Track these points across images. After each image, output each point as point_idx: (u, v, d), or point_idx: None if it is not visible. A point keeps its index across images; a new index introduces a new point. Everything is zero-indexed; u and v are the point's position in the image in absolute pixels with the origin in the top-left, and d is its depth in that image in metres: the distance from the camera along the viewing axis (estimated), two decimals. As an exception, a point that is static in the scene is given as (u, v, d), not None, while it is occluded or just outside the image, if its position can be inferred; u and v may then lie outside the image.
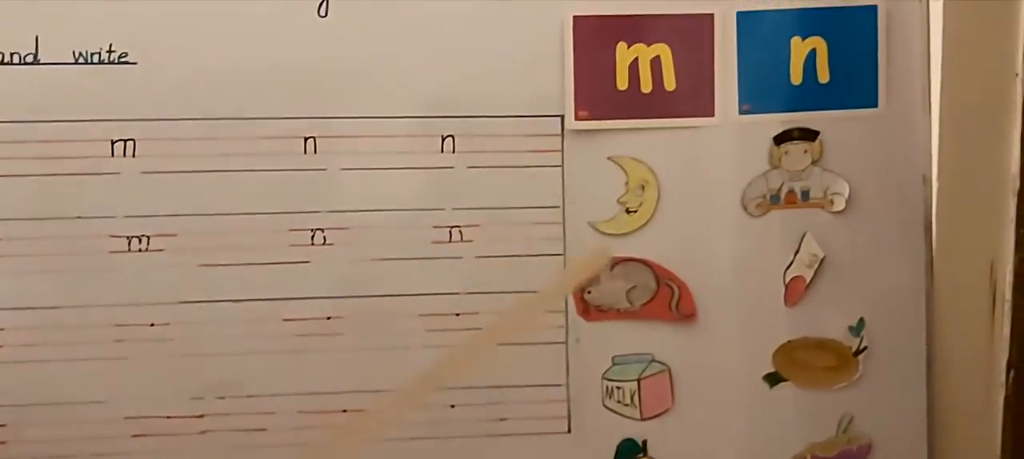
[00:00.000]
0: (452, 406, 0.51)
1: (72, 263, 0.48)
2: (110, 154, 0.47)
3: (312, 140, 0.49)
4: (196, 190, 0.48)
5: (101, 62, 0.47)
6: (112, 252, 0.48)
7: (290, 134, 0.48)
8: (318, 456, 0.50)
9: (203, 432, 0.49)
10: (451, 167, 0.50)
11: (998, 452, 0.52)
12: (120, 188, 0.48)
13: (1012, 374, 0.51)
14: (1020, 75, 0.47)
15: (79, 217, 0.48)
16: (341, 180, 0.49)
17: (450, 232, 0.50)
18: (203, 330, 0.49)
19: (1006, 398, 0.52)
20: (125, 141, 0.48)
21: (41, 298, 0.48)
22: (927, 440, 0.52)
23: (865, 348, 0.52)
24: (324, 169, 0.49)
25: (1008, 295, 0.51)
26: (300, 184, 0.49)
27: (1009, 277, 0.50)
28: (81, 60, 0.47)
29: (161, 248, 0.48)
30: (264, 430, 0.50)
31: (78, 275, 0.48)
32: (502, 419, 0.51)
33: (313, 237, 0.49)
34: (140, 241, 0.48)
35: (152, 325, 0.48)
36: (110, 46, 0.47)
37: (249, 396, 0.49)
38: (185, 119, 0.48)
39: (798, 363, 0.52)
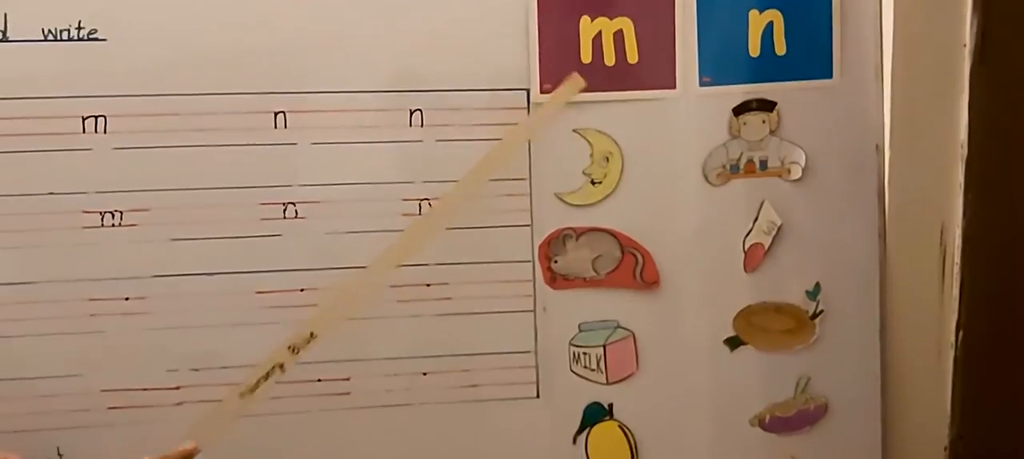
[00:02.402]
0: (424, 374, 0.52)
1: (45, 238, 0.48)
2: (81, 130, 0.48)
3: (282, 115, 0.49)
4: (167, 165, 0.49)
5: (70, 39, 0.47)
6: (85, 227, 0.49)
7: (260, 109, 0.49)
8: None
9: (179, 403, 0.50)
10: (420, 141, 0.50)
11: (948, 409, 0.54)
12: (92, 164, 0.48)
13: (961, 334, 0.53)
14: (968, 46, 0.48)
15: (51, 193, 0.48)
16: (311, 154, 0.50)
17: (420, 204, 0.51)
18: (177, 303, 0.49)
19: (955, 358, 0.53)
20: (96, 117, 0.48)
21: (15, 274, 0.48)
22: (880, 399, 0.55)
23: (821, 312, 0.54)
24: (294, 144, 0.49)
25: (957, 258, 0.52)
26: (271, 159, 0.49)
27: (958, 241, 0.52)
28: (50, 37, 0.47)
29: (134, 223, 0.49)
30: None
31: (52, 250, 0.48)
32: (473, 385, 0.52)
33: (285, 211, 0.50)
34: (113, 216, 0.49)
35: (126, 299, 0.49)
36: (79, 23, 0.47)
37: (224, 367, 0.50)
38: (155, 95, 0.48)
39: (757, 327, 0.53)
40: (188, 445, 0.45)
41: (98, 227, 0.49)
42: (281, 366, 0.49)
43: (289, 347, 0.49)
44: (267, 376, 0.49)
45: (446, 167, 0.51)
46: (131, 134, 0.48)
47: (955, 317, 0.53)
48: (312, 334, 0.49)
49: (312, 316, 0.50)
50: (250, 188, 0.49)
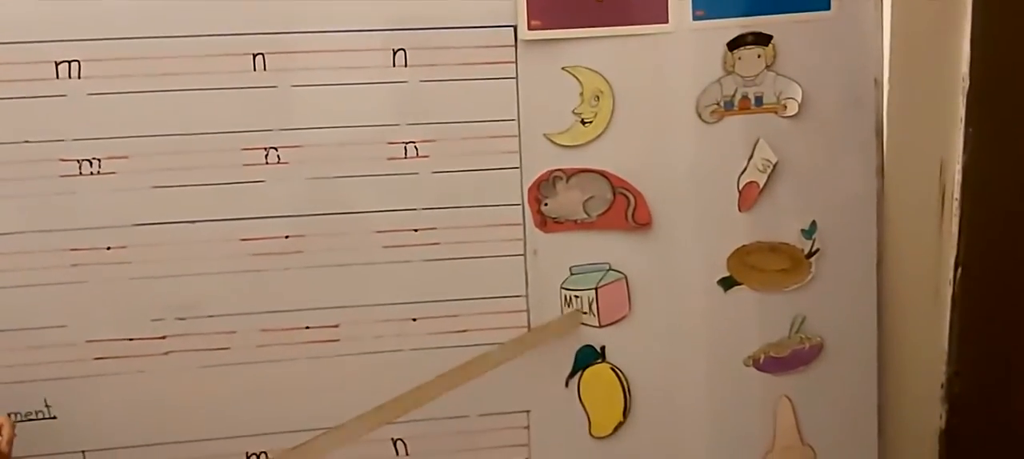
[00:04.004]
0: (414, 319, 0.51)
1: (23, 188, 0.47)
2: (54, 76, 0.46)
3: (261, 57, 0.48)
4: (145, 111, 0.47)
5: (41, -19, 0.46)
6: (63, 176, 0.47)
7: (239, 51, 0.48)
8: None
9: (166, 353, 0.50)
10: (404, 82, 0.49)
11: (945, 346, 0.54)
12: (67, 110, 0.47)
13: (959, 271, 0.53)
14: (970, -25, 0.47)
15: (27, 141, 0.47)
16: (292, 97, 0.48)
17: (405, 148, 0.50)
18: (160, 252, 0.49)
19: (953, 295, 0.53)
20: (70, 62, 0.46)
21: (-6, 224, 0.48)
22: (877, 338, 0.54)
23: (817, 250, 0.53)
24: (275, 87, 0.48)
25: (956, 194, 0.51)
26: (251, 102, 0.48)
27: (958, 176, 0.51)
28: (20, -20, 0.46)
29: (113, 171, 0.48)
30: (227, 349, 0.50)
31: (30, 200, 0.47)
32: (463, 331, 0.52)
33: (267, 156, 0.48)
34: (91, 164, 0.48)
35: (108, 248, 0.48)
36: (49, -36, 0.46)
37: (210, 316, 0.50)
38: (130, 38, 0.47)
39: (752, 267, 0.53)
40: None
41: (76, 175, 0.47)
42: None
43: None
44: None
45: (431, 108, 0.49)
46: (106, 79, 0.47)
47: (953, 254, 0.52)
48: None
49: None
50: (231, 133, 0.48)
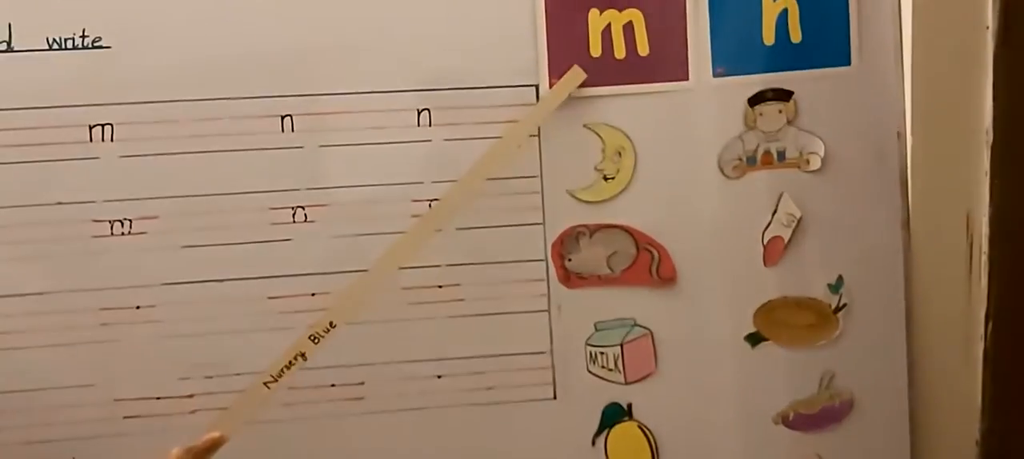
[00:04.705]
0: (439, 377, 0.51)
1: (55, 249, 0.48)
2: (88, 139, 0.48)
3: (289, 118, 0.49)
4: (175, 172, 0.48)
5: (75, 47, 0.47)
6: (95, 237, 0.48)
7: (267, 113, 0.49)
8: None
9: (193, 411, 0.50)
10: (429, 140, 0.50)
11: (979, 403, 0.53)
12: (100, 173, 0.48)
13: (991, 326, 0.52)
14: (990, 27, 0.47)
15: (60, 203, 0.48)
16: (319, 157, 0.49)
17: (429, 205, 0.50)
18: (189, 311, 0.49)
19: (985, 349, 0.52)
20: (103, 125, 0.48)
21: (26, 285, 0.48)
22: (908, 394, 0.53)
23: (844, 305, 0.52)
24: (301, 147, 0.49)
25: (985, 247, 0.51)
26: (279, 163, 0.49)
27: (985, 229, 0.51)
28: (55, 46, 0.47)
29: (144, 231, 0.49)
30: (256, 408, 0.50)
31: (62, 261, 0.48)
32: (489, 388, 0.52)
33: (294, 215, 0.49)
34: (122, 225, 0.48)
35: (138, 308, 0.49)
36: (83, 31, 0.47)
37: (238, 374, 0.50)
38: (161, 101, 0.48)
39: (779, 322, 0.52)
40: (214, 434, 0.45)
41: (108, 236, 0.48)
42: (303, 355, 0.49)
43: (310, 336, 0.49)
44: (290, 365, 0.49)
45: (455, 167, 0.50)
46: (138, 142, 0.48)
47: (984, 308, 0.51)
48: (331, 323, 0.49)
49: (330, 304, 0.49)
50: (259, 193, 0.49)
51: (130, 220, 0.48)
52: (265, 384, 0.49)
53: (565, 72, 0.50)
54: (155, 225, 0.49)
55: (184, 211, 0.49)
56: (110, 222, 0.48)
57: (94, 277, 0.49)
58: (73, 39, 0.47)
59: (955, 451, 0.53)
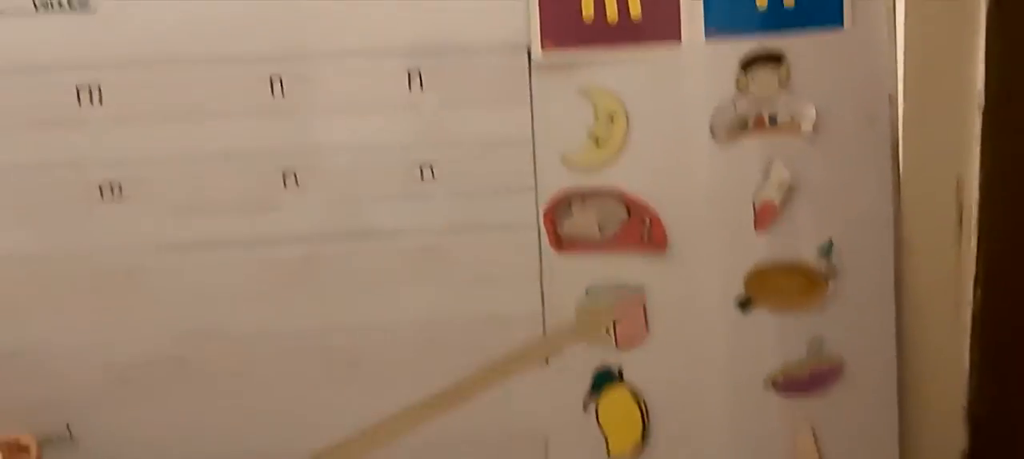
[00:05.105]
0: (430, 341, 0.51)
1: (45, 213, 0.48)
2: (76, 102, 0.47)
3: (279, 80, 0.48)
4: (164, 135, 0.48)
5: (61, 8, 0.47)
6: (84, 200, 0.48)
7: (257, 75, 0.48)
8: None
9: (187, 375, 0.50)
10: (420, 104, 0.50)
11: (966, 367, 0.53)
12: (88, 135, 0.48)
13: (979, 291, 0.52)
14: (983, -10, 0.47)
15: (49, 166, 0.48)
16: (309, 121, 0.49)
17: (421, 170, 0.50)
18: (180, 274, 0.49)
19: (974, 314, 0.52)
20: (90, 88, 0.47)
21: (16, 249, 0.48)
22: (897, 358, 0.53)
23: (835, 270, 0.52)
24: (292, 110, 0.49)
25: (975, 212, 0.51)
26: (268, 125, 0.49)
27: (975, 193, 0.51)
28: (41, 8, 0.46)
29: (133, 195, 0.48)
30: (248, 370, 0.50)
31: (52, 224, 0.48)
32: (481, 351, 0.52)
33: (285, 179, 0.49)
34: (112, 188, 0.48)
35: (128, 271, 0.49)
36: (70, -8, 0.47)
37: (231, 338, 0.50)
38: (150, 63, 0.47)
39: (769, 287, 0.52)
40: None
41: (98, 199, 0.48)
42: None
43: None
44: None
45: (448, 131, 0.50)
46: (126, 104, 0.48)
47: (973, 273, 0.52)
48: None
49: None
50: (248, 156, 0.49)
51: (120, 183, 0.48)
52: None
53: (558, 36, 0.49)
54: (145, 188, 0.48)
55: (174, 174, 0.48)
56: (99, 186, 0.48)
57: (85, 241, 0.49)
58: (59, 0, 0.47)
59: (943, 415, 0.54)
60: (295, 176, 0.49)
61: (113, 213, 0.48)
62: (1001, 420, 0.53)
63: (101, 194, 0.48)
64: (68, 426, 0.50)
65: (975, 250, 0.51)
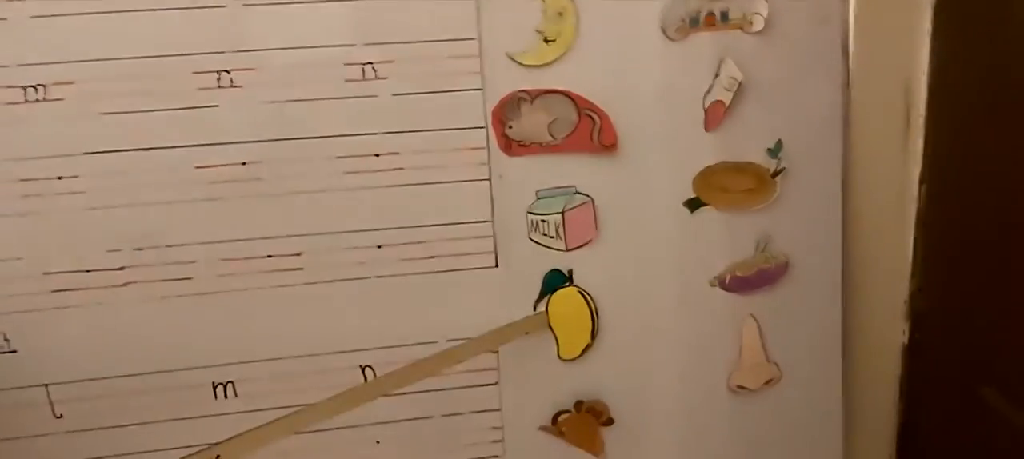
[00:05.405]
0: (379, 247, 0.51)
1: (-34, 117, 0.46)
2: (-4, -3, 0.45)
3: (210, -24, 0.46)
4: (90, 33, 0.45)
5: None
6: (8, 103, 0.46)
7: (187, -30, 0.46)
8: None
9: (125, 284, 0.49)
10: (362, 0, 0.47)
11: (909, 264, 0.54)
12: (9, 35, 0.45)
13: (924, 188, 0.53)
14: None
15: (-33, 68, 0.45)
16: (244, 18, 0.46)
17: (363, 69, 0.48)
18: (113, 181, 0.47)
19: (918, 212, 0.53)
20: (8, -16, 0.45)
21: (-63, 155, 0.46)
22: (842, 256, 0.54)
23: (783, 169, 0.52)
24: (224, 6, 0.46)
25: (922, 110, 0.51)
26: (201, 23, 0.46)
27: (924, 92, 0.51)
28: None
29: (60, 97, 0.46)
30: (189, 279, 0.49)
31: (-27, 130, 0.46)
32: (430, 257, 0.51)
33: (219, 79, 0.47)
34: (36, 90, 0.46)
35: (59, 178, 0.47)
36: None
37: (168, 246, 0.49)
38: (71, -42, 0.45)
39: (718, 187, 0.52)
40: None
41: (21, 102, 0.46)
42: None
43: None
44: None
45: (389, 28, 0.48)
46: (49, 1, 0.45)
47: (918, 170, 0.52)
48: (218, 456, 0.48)
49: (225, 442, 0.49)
50: (181, 56, 0.46)
51: (44, 85, 0.46)
52: None
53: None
54: (71, 90, 0.46)
55: (102, 75, 0.46)
56: (24, 88, 0.46)
57: (11, 147, 0.46)
58: None
59: (885, 309, 0.55)
60: (230, 76, 0.47)
61: (38, 116, 0.46)
62: (941, 316, 0.54)
63: (25, 96, 0.46)
64: (5, 336, 0.48)
65: (921, 148, 0.52)
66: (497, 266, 0.52)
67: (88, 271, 0.48)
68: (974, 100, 0.50)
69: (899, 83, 0.51)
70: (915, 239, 0.54)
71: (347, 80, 0.48)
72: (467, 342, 0.52)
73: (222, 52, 0.47)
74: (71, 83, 0.46)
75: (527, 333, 0.52)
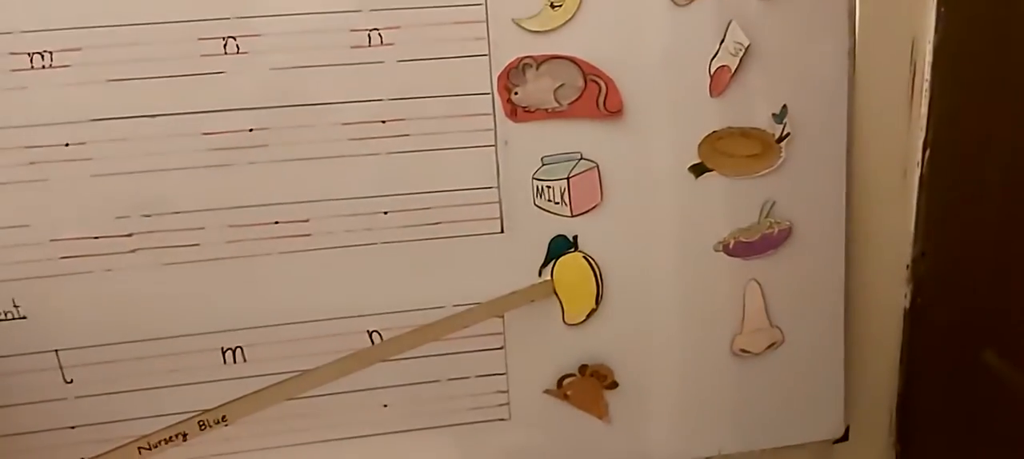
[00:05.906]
0: (385, 212, 0.51)
1: (-28, 84, 0.46)
2: (-1, -35, 0.44)
3: (216, -59, 0.46)
4: (97, 0, 0.45)
5: None
6: (14, 70, 0.46)
7: (192, -64, 0.46)
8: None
9: (133, 250, 0.49)
10: (367, -36, 0.47)
11: (911, 228, 0.55)
12: (15, 1, 0.45)
13: (928, 153, 0.53)
14: None
15: (-29, 34, 0.45)
16: (250, -17, 0.47)
17: (369, 35, 0.48)
18: (120, 147, 0.47)
19: (921, 177, 0.53)
20: (13, -51, 0.44)
21: (-57, 122, 0.46)
22: (845, 221, 0.54)
23: (788, 134, 0.52)
24: (232, -28, 0.46)
25: (927, 75, 0.51)
26: (207, -11, 0.46)
27: (929, 56, 0.51)
28: None
29: (66, 64, 0.46)
30: (196, 245, 0.50)
31: (-20, 97, 0.46)
32: (436, 223, 0.51)
33: (226, 45, 0.47)
34: (43, 57, 0.46)
35: (66, 145, 0.47)
36: None
37: (176, 212, 0.49)
38: (75, -77, 0.44)
39: (722, 152, 0.52)
40: None
41: (28, 69, 0.46)
42: (184, 436, 0.48)
43: (198, 421, 0.48)
44: (169, 441, 0.48)
45: (395, -5, 0.48)
46: (53, -34, 0.45)
47: (922, 136, 0.52)
48: (223, 417, 0.48)
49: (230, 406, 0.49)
50: (186, 22, 0.46)
51: (51, 52, 0.46)
52: (139, 449, 0.48)
53: None
54: (78, 57, 0.46)
55: (107, 42, 0.46)
56: (29, 55, 0.45)
57: (17, 114, 0.46)
58: None
59: (887, 274, 0.56)
60: (236, 43, 0.47)
61: (44, 83, 0.46)
62: (943, 280, 0.55)
63: (31, 63, 0.46)
64: (14, 302, 0.49)
65: (926, 113, 0.52)
66: (503, 232, 0.52)
67: (96, 237, 0.49)
68: (979, 66, 0.50)
69: (905, 49, 0.51)
70: (918, 204, 0.54)
71: (353, 47, 0.48)
72: (473, 307, 0.52)
73: (228, 18, 0.47)
74: (78, 50, 0.46)
75: (532, 301, 0.53)
